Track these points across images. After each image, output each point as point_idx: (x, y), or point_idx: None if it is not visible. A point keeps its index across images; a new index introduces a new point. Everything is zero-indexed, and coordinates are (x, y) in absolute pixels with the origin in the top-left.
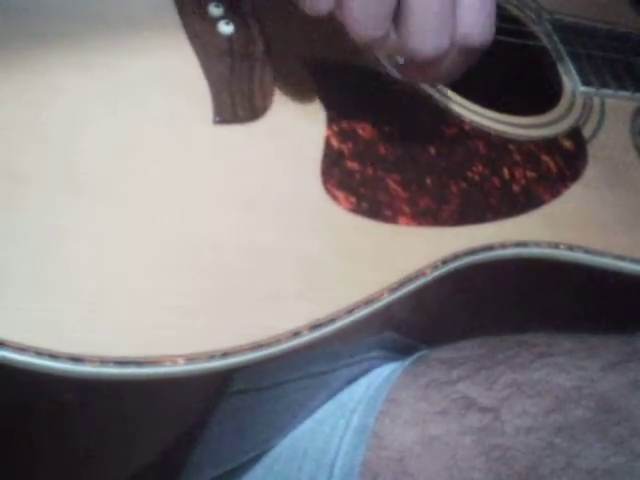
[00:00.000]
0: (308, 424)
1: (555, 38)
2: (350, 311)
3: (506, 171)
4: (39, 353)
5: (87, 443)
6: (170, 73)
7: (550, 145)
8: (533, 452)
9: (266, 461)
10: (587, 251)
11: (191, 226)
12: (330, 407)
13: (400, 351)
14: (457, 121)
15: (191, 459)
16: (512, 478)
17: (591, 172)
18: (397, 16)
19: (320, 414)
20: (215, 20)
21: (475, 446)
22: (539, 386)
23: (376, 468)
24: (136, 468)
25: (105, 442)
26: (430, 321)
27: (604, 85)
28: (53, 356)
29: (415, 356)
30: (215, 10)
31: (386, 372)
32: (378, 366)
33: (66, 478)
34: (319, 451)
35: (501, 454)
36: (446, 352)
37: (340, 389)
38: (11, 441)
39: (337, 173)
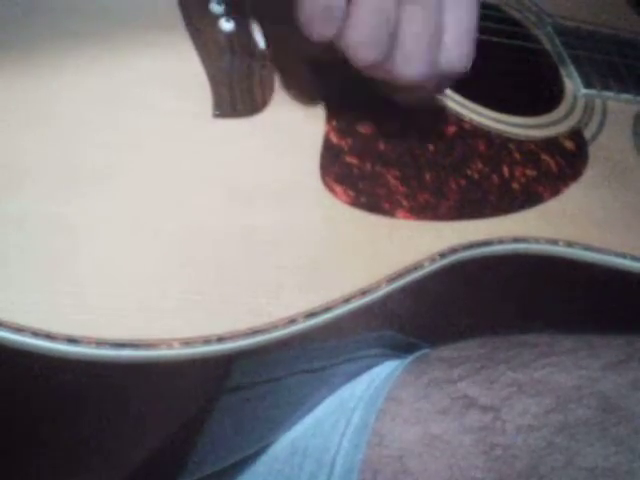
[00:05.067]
0: (308, 422)
1: (557, 41)
2: (347, 300)
3: (505, 169)
4: (35, 333)
5: (87, 441)
6: (171, 69)
7: (550, 145)
8: (534, 451)
9: (266, 459)
10: (586, 248)
11: (190, 216)
12: (331, 405)
13: (401, 349)
14: (457, 120)
15: (191, 455)
16: (513, 477)
17: (591, 172)
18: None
19: (320, 412)
20: (216, 17)
21: (476, 445)
22: (540, 385)
23: (376, 466)
24: (136, 465)
25: (105, 440)
26: (432, 320)
27: (606, 88)
28: (50, 337)
29: (416, 355)
30: (216, 7)
31: (387, 370)
32: (379, 364)
33: (64, 474)
34: (320, 449)
35: (502, 453)
36: (447, 351)
37: (340, 386)
38: (14, 429)
39: (336, 168)
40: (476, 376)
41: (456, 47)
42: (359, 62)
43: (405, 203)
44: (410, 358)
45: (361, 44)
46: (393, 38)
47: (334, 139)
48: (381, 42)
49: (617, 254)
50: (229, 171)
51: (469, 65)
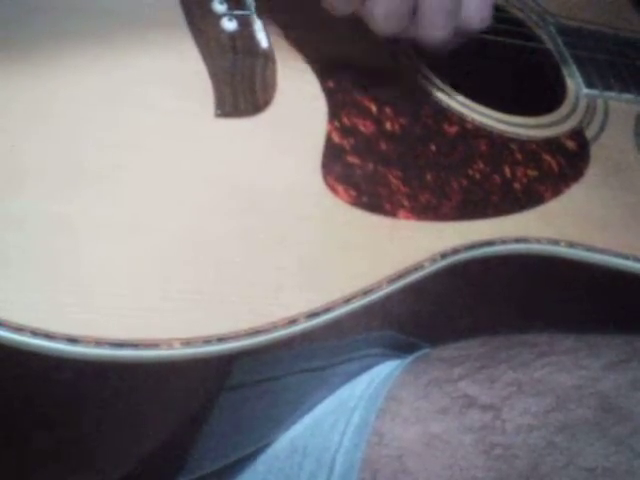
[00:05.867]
0: (308, 421)
1: (559, 41)
2: (347, 301)
3: (507, 169)
4: (35, 333)
5: (87, 440)
6: (172, 68)
7: (552, 145)
8: (534, 451)
9: (266, 457)
10: (588, 249)
11: (191, 216)
12: (330, 404)
13: (401, 349)
14: (459, 119)
15: (191, 453)
16: (513, 477)
17: (593, 172)
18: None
19: (320, 411)
20: (219, 17)
21: (476, 444)
22: (540, 385)
23: (376, 466)
24: (137, 463)
25: (105, 439)
26: (433, 320)
27: (608, 88)
28: (49, 336)
29: (416, 354)
30: (219, 7)
31: (387, 370)
32: (379, 364)
33: (65, 472)
34: (319, 448)
35: (502, 452)
36: (447, 351)
37: (340, 386)
38: (14, 428)
39: (337, 167)
40: (476, 375)
41: (476, 12)
42: (381, 33)
43: (406, 203)
44: (410, 358)
45: (383, 17)
46: (414, 9)
47: (336, 138)
48: (403, 15)
49: (618, 255)
50: (230, 170)
51: (489, 23)
